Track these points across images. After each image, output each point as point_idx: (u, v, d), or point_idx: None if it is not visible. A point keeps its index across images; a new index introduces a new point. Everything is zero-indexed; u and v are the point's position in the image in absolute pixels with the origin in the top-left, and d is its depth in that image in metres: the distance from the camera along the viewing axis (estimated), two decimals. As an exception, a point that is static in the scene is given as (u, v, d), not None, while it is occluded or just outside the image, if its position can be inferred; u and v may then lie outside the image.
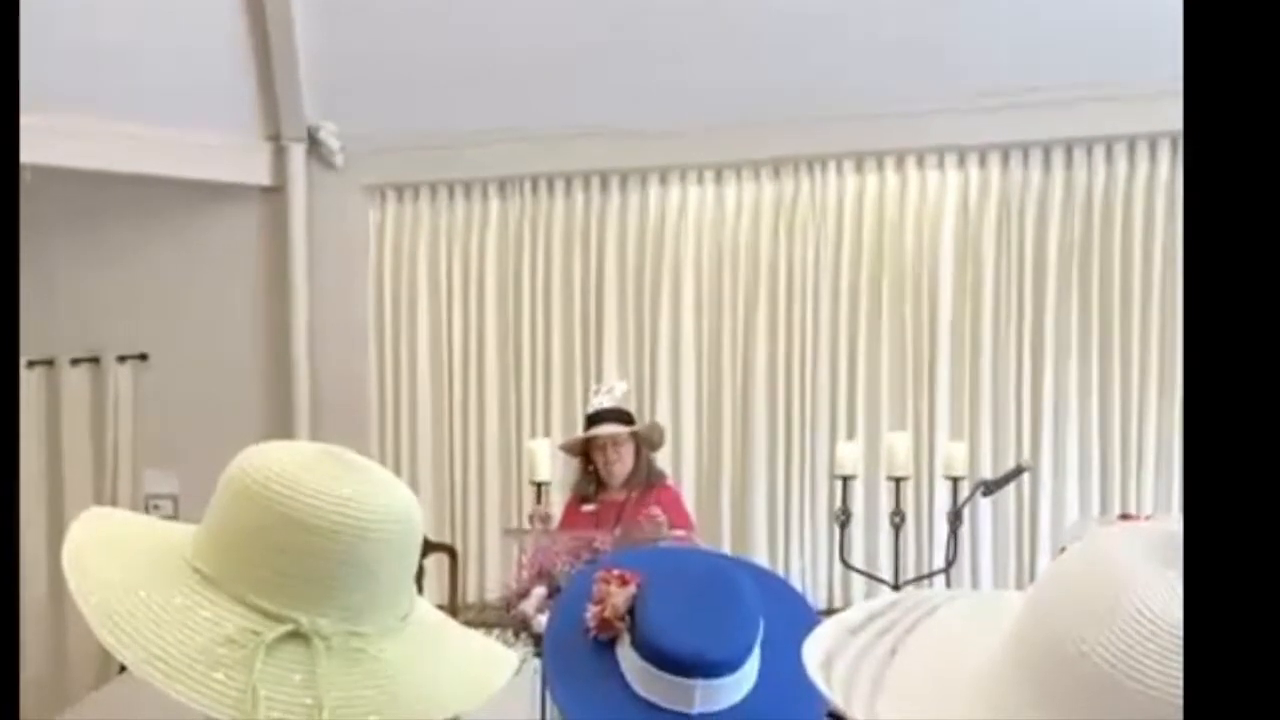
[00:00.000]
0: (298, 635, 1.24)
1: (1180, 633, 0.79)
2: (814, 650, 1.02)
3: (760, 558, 5.87)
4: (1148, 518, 4.62)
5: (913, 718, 0.94)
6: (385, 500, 1.30)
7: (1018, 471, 5.17)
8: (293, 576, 1.25)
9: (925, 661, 0.97)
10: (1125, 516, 5.05)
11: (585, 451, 5.15)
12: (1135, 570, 0.82)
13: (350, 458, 1.34)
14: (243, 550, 1.26)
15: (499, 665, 1.46)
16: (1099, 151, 5.74)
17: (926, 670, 0.96)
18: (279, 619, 1.24)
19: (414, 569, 1.37)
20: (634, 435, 5.12)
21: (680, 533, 4.62)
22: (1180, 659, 0.78)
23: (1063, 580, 0.88)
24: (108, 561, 1.28)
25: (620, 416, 5.12)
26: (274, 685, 1.22)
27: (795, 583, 5.67)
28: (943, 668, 0.95)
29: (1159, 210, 5.68)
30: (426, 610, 1.42)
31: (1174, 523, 0.86)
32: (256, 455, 1.31)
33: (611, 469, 5.06)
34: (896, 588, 5.10)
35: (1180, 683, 0.78)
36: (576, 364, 6.25)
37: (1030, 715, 0.85)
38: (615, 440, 5.06)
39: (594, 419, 5.14)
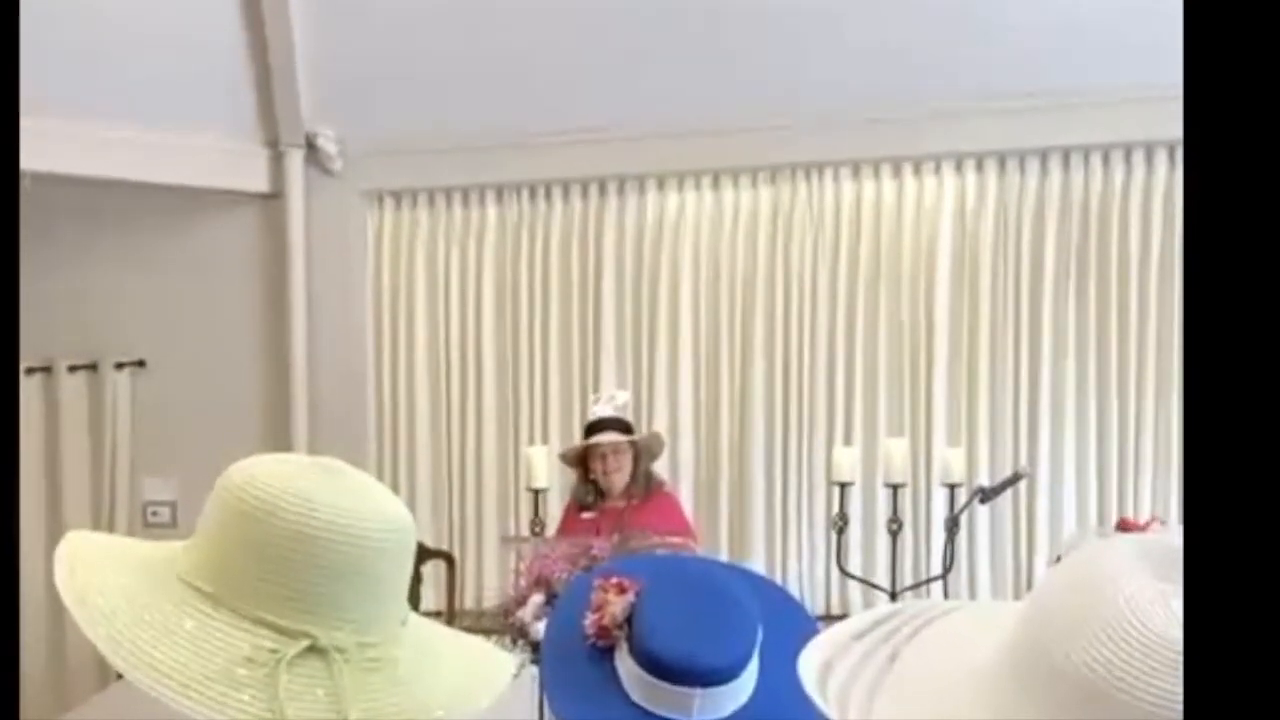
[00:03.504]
0: (314, 650, 1.24)
1: (1169, 645, 0.79)
2: (812, 658, 1.02)
3: (758, 564, 5.87)
4: (1148, 523, 4.61)
5: (909, 719, 0.94)
6: (382, 508, 1.30)
7: (1015, 478, 5.16)
8: (303, 591, 1.24)
9: (924, 666, 0.98)
10: (1124, 523, 5.03)
11: (584, 461, 5.16)
12: (1125, 581, 0.82)
13: (339, 467, 1.33)
14: (249, 567, 1.25)
15: (498, 661, 1.47)
16: (1096, 158, 5.75)
17: (924, 675, 0.97)
18: (295, 635, 1.24)
19: (409, 574, 1.37)
20: (633, 444, 5.12)
21: (678, 539, 4.62)
22: (1169, 670, 0.78)
23: (1055, 589, 0.89)
24: (106, 588, 1.27)
25: (619, 426, 5.12)
26: (298, 702, 1.22)
27: (793, 589, 5.67)
28: (941, 672, 0.95)
29: (1156, 218, 5.69)
30: (412, 615, 1.42)
31: (1169, 534, 0.86)
32: (250, 471, 1.30)
33: (611, 478, 5.07)
34: (894, 595, 5.10)
35: (1168, 693, 0.78)
36: (574, 370, 6.25)
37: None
38: (614, 449, 5.06)
39: (593, 428, 5.15)
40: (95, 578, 1.28)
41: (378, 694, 1.27)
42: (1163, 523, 4.87)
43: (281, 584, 1.24)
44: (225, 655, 1.21)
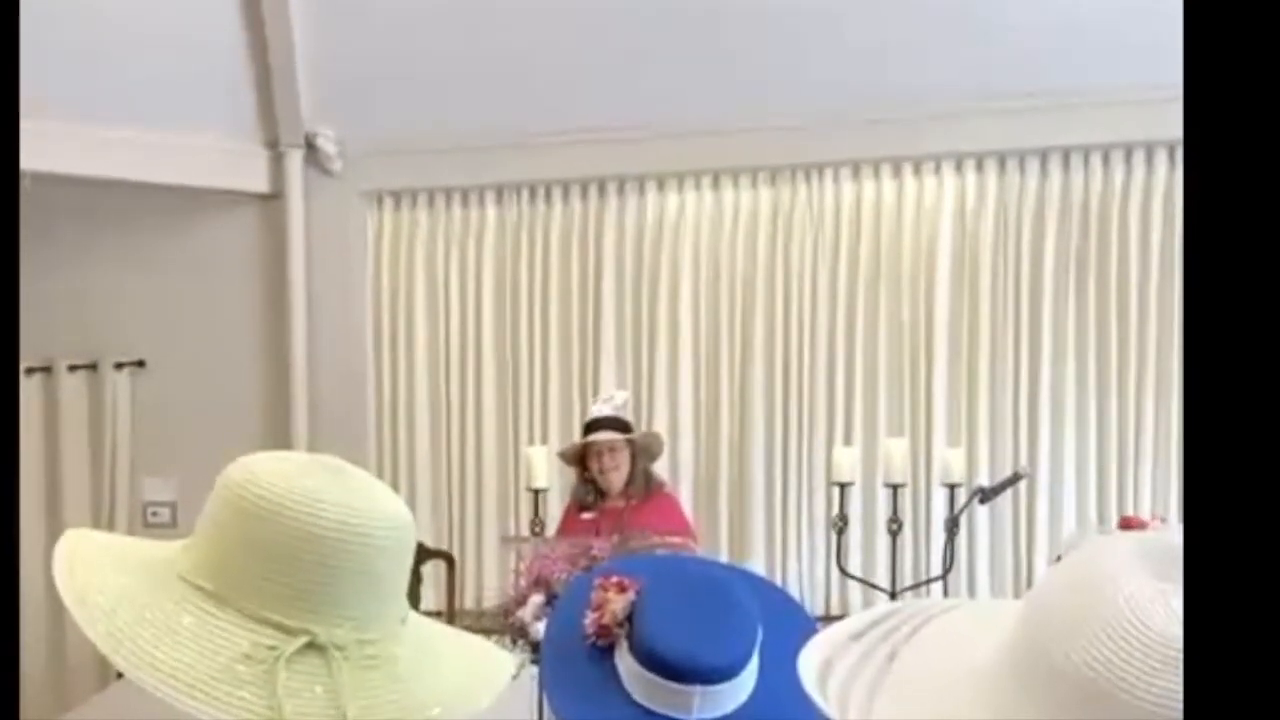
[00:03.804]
0: (314, 647, 1.24)
1: (1169, 643, 0.79)
2: (812, 657, 1.02)
3: (758, 564, 5.87)
4: (1149, 522, 4.61)
5: (909, 718, 0.94)
6: (383, 507, 1.30)
7: (1015, 478, 5.17)
8: (303, 588, 1.24)
9: (923, 666, 0.98)
10: (1126, 521, 5.03)
11: (583, 459, 5.16)
12: (1124, 580, 0.82)
13: (340, 465, 1.33)
14: (249, 565, 1.25)
15: (499, 661, 1.47)
16: (1096, 158, 5.75)
17: (924, 674, 0.97)
18: (294, 632, 1.24)
19: (409, 572, 1.37)
20: (630, 443, 5.13)
21: (678, 540, 4.62)
22: (1169, 669, 0.78)
23: (1055, 588, 0.89)
24: (105, 586, 1.27)
25: (617, 425, 5.13)
26: (297, 699, 1.22)
27: (792, 589, 5.67)
28: (940, 672, 0.95)
29: (1155, 217, 5.69)
30: (413, 613, 1.42)
31: (1170, 533, 0.86)
32: (251, 469, 1.30)
33: (608, 477, 5.07)
34: (893, 595, 5.11)
35: (1169, 692, 0.78)
36: (574, 371, 6.25)
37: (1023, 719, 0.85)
38: (611, 447, 5.07)
39: (591, 426, 5.16)
40: (95, 576, 1.28)
41: (376, 691, 1.27)
42: (1164, 520, 4.87)
43: (285, 582, 1.24)
44: (225, 653, 1.22)
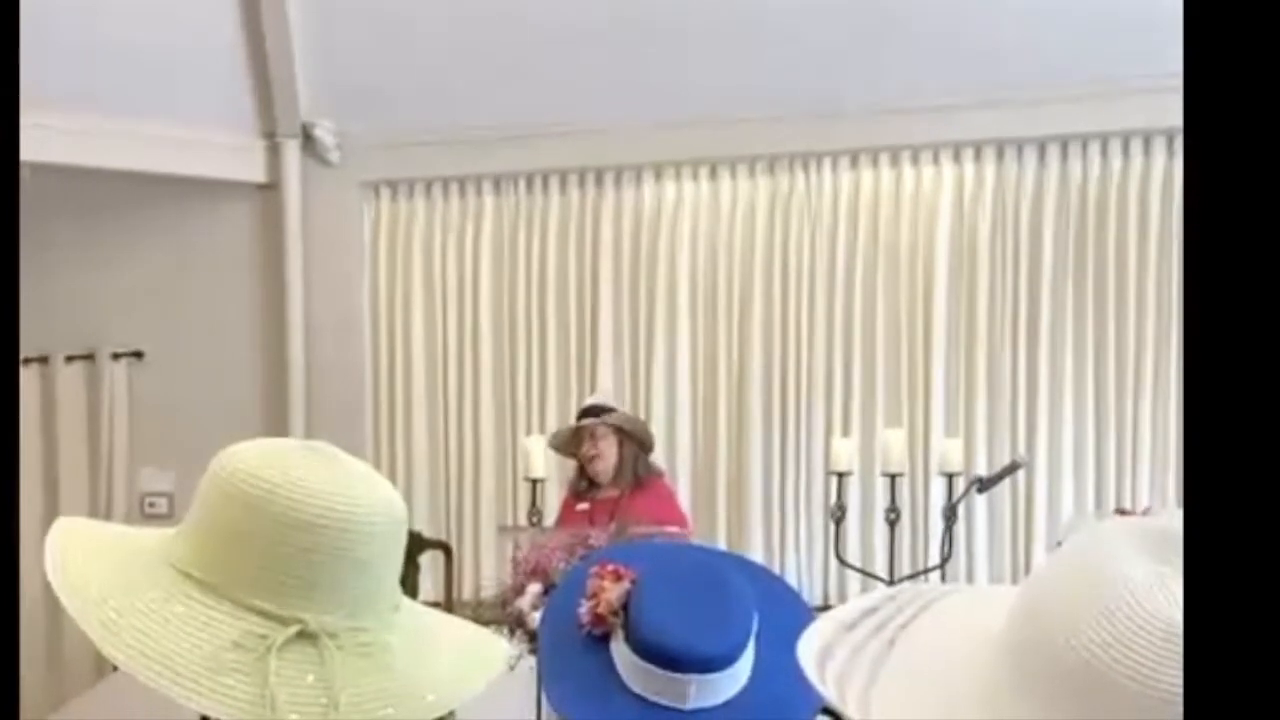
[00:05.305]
0: (305, 635, 1.23)
1: (1168, 627, 0.79)
2: (810, 645, 1.02)
3: (756, 554, 5.86)
4: (1144, 512, 4.61)
5: (907, 708, 0.94)
6: (375, 493, 1.30)
7: (1013, 467, 5.17)
8: (295, 576, 1.24)
9: (921, 653, 0.97)
10: (1121, 512, 5.04)
11: (576, 450, 5.17)
12: (1124, 564, 0.82)
13: (333, 452, 1.32)
14: (241, 553, 1.24)
15: (494, 648, 1.46)
16: (1094, 147, 5.75)
17: (921, 662, 0.96)
18: (285, 620, 1.23)
19: (402, 559, 1.37)
20: (618, 431, 5.11)
21: (673, 529, 4.62)
22: (1168, 653, 0.78)
23: (1054, 573, 0.89)
24: (97, 576, 1.26)
25: (602, 413, 5.13)
26: (289, 688, 1.21)
27: (790, 579, 5.67)
28: (938, 659, 0.95)
29: (1154, 206, 5.69)
30: (407, 599, 1.42)
31: (1167, 518, 0.86)
32: (243, 456, 1.29)
33: (592, 464, 5.07)
34: (892, 584, 5.11)
35: (1167, 677, 0.78)
36: (572, 360, 6.25)
37: (1022, 706, 0.85)
38: (593, 434, 5.07)
39: (579, 416, 5.18)
40: (87, 565, 1.28)
41: (369, 679, 1.26)
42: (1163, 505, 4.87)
43: (276, 570, 1.23)
44: (216, 641, 1.21)
